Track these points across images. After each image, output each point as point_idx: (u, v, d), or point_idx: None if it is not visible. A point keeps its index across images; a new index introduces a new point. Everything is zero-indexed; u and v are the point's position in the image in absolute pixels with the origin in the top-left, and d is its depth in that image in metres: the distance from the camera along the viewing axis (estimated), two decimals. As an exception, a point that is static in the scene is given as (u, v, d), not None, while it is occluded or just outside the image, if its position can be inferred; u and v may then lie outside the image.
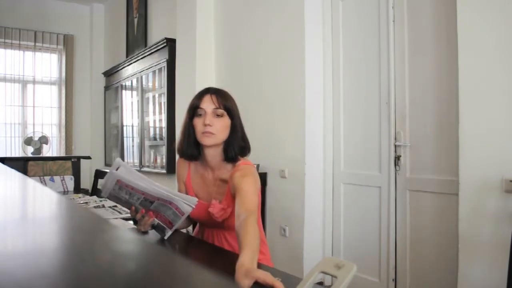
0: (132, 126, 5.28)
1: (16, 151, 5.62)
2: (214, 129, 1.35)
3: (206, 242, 1.46)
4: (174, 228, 1.37)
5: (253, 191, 1.31)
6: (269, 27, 3.18)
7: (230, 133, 1.39)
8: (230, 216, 1.39)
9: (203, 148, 1.41)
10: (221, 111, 1.37)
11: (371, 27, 2.65)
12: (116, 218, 1.92)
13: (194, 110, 1.39)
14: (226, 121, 1.38)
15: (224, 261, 1.26)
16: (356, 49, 2.78)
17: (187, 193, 1.49)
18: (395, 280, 2.49)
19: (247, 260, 1.00)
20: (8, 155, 5.39)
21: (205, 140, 1.36)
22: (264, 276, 0.92)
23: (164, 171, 4.36)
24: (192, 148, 1.41)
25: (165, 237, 1.39)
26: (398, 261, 2.48)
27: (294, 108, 2.93)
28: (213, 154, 1.41)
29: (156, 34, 4.84)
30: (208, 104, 1.37)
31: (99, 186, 3.14)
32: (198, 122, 1.37)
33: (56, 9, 5.95)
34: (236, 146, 1.40)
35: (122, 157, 5.52)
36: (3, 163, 2.18)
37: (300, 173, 2.86)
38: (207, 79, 3.76)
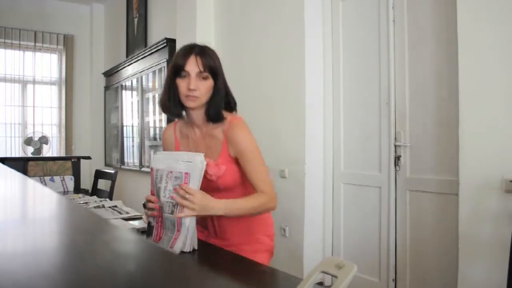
0: (132, 126, 5.28)
1: (16, 151, 5.62)
2: (198, 93, 1.34)
3: (206, 242, 1.46)
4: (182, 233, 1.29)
5: (264, 168, 1.41)
6: (269, 27, 3.18)
7: (212, 94, 1.38)
8: (225, 174, 1.38)
9: (186, 109, 1.41)
10: (205, 74, 1.35)
11: (371, 27, 2.65)
12: (116, 218, 1.92)
13: (177, 70, 1.35)
14: (210, 83, 1.36)
15: (224, 261, 1.26)
16: (356, 49, 2.78)
17: None
18: (395, 280, 2.49)
19: (219, 202, 1.27)
20: (8, 155, 5.39)
21: (189, 104, 1.35)
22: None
23: (164, 171, 4.36)
24: (176, 107, 1.40)
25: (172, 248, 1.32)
26: (398, 261, 2.48)
27: (294, 108, 2.93)
28: (198, 113, 1.40)
29: (156, 34, 4.84)
30: (193, 67, 1.33)
31: (99, 186, 3.15)
32: (182, 84, 1.34)
33: (56, 9, 5.95)
34: (218, 106, 1.39)
35: (122, 157, 5.53)
36: (3, 163, 2.19)
37: (300, 173, 2.86)
38: (207, 79, 3.75)
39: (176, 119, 1.51)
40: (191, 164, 1.26)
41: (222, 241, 1.46)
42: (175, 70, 1.35)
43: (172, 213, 1.28)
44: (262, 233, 1.51)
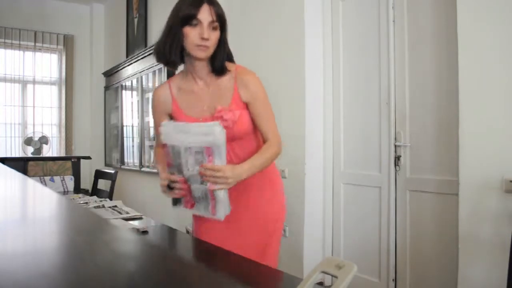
0: (132, 126, 5.28)
1: (16, 151, 5.62)
2: (209, 43, 1.32)
3: (206, 242, 1.46)
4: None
5: (273, 114, 1.46)
6: (269, 27, 3.18)
7: (218, 45, 1.37)
8: (240, 119, 1.38)
9: (191, 59, 1.37)
10: (216, 24, 1.33)
11: (371, 27, 2.65)
12: (116, 218, 1.92)
13: (187, 18, 1.31)
14: (218, 34, 1.36)
15: (224, 261, 1.26)
16: (356, 49, 2.78)
17: (176, 120, 1.42)
18: (395, 280, 2.49)
19: (243, 165, 1.28)
20: (8, 155, 5.39)
21: (199, 54, 1.33)
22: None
23: (164, 171, 4.36)
24: (176, 56, 1.36)
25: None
26: (398, 261, 2.48)
27: (294, 108, 2.93)
28: (202, 64, 1.38)
29: (156, 34, 4.82)
30: (206, 16, 1.31)
31: (99, 186, 3.15)
32: (192, 33, 1.31)
33: (56, 9, 5.95)
34: (224, 58, 1.39)
35: (122, 158, 5.53)
36: (3, 163, 2.19)
37: (300, 173, 2.86)
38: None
39: (167, 80, 1.49)
40: (210, 137, 1.21)
41: (247, 213, 1.44)
42: (185, 19, 1.32)
43: (202, 183, 1.26)
44: (280, 202, 1.53)
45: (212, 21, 1.32)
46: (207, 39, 1.30)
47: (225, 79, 1.40)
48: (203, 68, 1.39)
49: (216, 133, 1.21)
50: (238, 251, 1.32)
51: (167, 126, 1.31)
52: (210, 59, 1.37)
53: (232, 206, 1.32)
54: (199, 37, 1.30)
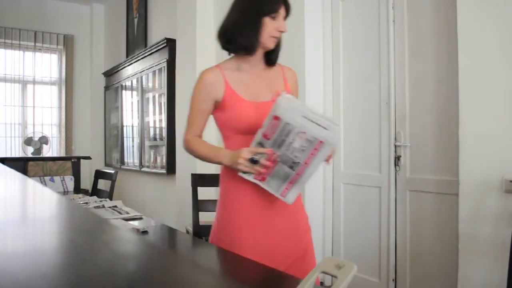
0: (132, 126, 5.28)
1: (16, 152, 5.62)
2: (281, 36, 1.45)
3: (206, 242, 1.46)
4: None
5: None
6: (269, 27, 3.18)
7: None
8: None
9: (258, 48, 1.42)
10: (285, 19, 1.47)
11: (371, 27, 2.65)
12: (116, 219, 1.92)
13: (270, 10, 1.39)
14: None
15: (224, 261, 1.26)
16: (356, 49, 2.78)
17: (226, 108, 1.40)
18: (395, 280, 2.49)
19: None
20: (8, 155, 5.39)
21: (271, 44, 1.41)
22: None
23: (164, 171, 4.36)
24: (257, 43, 1.39)
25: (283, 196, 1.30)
26: (398, 261, 2.48)
27: (294, 108, 2.93)
28: (261, 55, 1.46)
29: (156, 34, 4.84)
30: (283, 11, 1.44)
31: (99, 187, 3.15)
32: (270, 24, 1.39)
33: (56, 9, 5.95)
34: (279, 51, 1.49)
35: (122, 157, 5.53)
36: (3, 163, 2.18)
37: (300, 173, 2.86)
38: (207, 79, 3.75)
39: (215, 65, 1.49)
40: (329, 134, 1.20)
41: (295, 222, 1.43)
42: (268, 11, 1.39)
43: (291, 168, 1.25)
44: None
45: (286, 16, 1.45)
46: (282, 32, 1.42)
47: (273, 71, 1.49)
48: (260, 57, 1.46)
49: (337, 132, 1.26)
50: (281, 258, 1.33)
51: (288, 101, 1.26)
52: (267, 51, 1.45)
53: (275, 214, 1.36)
54: (276, 30, 1.39)
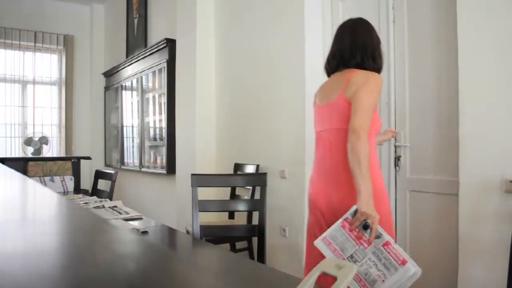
0: (132, 126, 5.28)
1: (16, 152, 5.62)
2: None
3: (206, 243, 1.46)
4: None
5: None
6: (269, 27, 3.19)
7: None
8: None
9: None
10: None
11: (371, 27, 2.65)
12: (116, 219, 1.92)
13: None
14: None
15: (224, 262, 1.26)
16: (356, 49, 2.77)
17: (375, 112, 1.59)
18: (395, 280, 2.49)
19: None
20: (8, 155, 5.39)
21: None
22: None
23: (164, 171, 4.36)
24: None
25: None
26: (398, 261, 2.47)
27: (294, 108, 2.93)
28: None
29: (156, 35, 4.84)
30: None
31: (99, 187, 3.15)
32: None
33: (56, 9, 5.96)
34: None
35: (122, 158, 5.53)
36: (3, 163, 2.18)
37: (300, 173, 2.86)
38: (207, 80, 3.76)
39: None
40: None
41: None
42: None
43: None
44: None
45: None
46: None
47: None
48: None
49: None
50: None
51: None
52: None
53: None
54: None
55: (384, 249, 1.37)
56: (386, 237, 1.38)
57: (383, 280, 1.36)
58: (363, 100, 1.49)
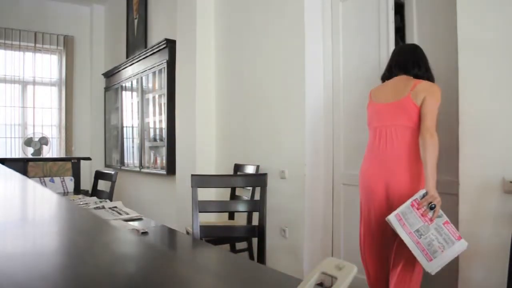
0: (132, 127, 5.28)
1: (16, 152, 5.62)
2: None
3: (206, 243, 1.46)
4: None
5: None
6: (269, 28, 3.19)
7: None
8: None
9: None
10: None
11: (371, 28, 2.65)
12: (116, 219, 1.92)
13: None
14: None
15: (224, 263, 1.26)
16: (356, 50, 2.78)
17: None
18: (395, 280, 2.48)
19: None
20: (8, 156, 5.39)
21: None
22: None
23: (164, 172, 4.36)
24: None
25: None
26: (398, 262, 2.47)
27: (294, 109, 2.93)
28: None
29: (156, 35, 4.85)
30: None
31: (99, 187, 3.15)
32: None
33: (57, 10, 5.96)
34: None
35: (122, 158, 5.53)
36: (3, 164, 2.18)
37: (300, 174, 2.86)
38: (207, 80, 3.76)
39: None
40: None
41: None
42: None
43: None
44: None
45: None
46: None
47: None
48: None
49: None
50: None
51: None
52: None
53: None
54: None
55: (444, 226, 1.74)
56: (445, 217, 1.74)
57: (442, 251, 1.69)
58: (431, 106, 1.86)
